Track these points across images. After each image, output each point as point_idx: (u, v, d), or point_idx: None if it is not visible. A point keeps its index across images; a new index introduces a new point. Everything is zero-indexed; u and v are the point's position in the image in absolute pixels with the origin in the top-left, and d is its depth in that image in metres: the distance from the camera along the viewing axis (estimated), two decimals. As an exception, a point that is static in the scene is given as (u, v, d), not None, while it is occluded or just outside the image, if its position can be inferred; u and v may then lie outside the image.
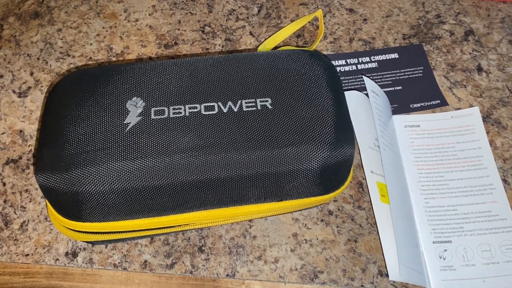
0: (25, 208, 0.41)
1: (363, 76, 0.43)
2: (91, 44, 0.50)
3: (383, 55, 0.49)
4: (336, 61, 0.48)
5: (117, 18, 0.52)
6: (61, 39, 0.51)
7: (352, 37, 0.50)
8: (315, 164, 0.33)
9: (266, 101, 0.34)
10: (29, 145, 0.44)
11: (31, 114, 0.46)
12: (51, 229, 0.40)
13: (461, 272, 0.37)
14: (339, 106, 0.35)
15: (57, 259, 0.38)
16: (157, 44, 0.50)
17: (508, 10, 0.52)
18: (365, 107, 0.41)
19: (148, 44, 0.50)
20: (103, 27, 0.52)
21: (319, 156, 0.32)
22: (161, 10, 0.53)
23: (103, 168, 0.31)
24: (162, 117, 0.33)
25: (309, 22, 0.51)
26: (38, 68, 0.49)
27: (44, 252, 0.39)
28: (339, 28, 0.51)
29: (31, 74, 0.48)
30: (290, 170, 0.32)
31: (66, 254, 0.39)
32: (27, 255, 0.38)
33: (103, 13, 0.53)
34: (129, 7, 0.53)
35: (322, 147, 0.32)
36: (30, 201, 0.41)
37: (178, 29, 0.51)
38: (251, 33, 0.51)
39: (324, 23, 0.51)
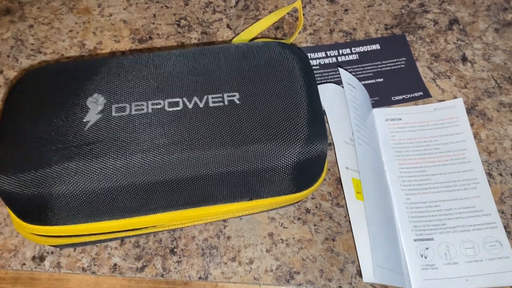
0: (-9, 211, 0.39)
1: (339, 68, 0.41)
2: (64, 40, 0.49)
3: (364, 47, 0.47)
4: (316, 54, 0.47)
5: (90, 13, 0.51)
6: (33, 35, 0.49)
7: (332, 28, 0.49)
8: (286, 161, 0.31)
9: (234, 95, 0.32)
10: (-3, 146, 0.42)
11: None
12: (18, 233, 0.38)
13: (443, 271, 0.36)
14: (312, 100, 0.33)
15: (24, 264, 0.37)
16: (131, 39, 0.48)
17: (494, -2, 0.50)
18: (342, 100, 0.40)
19: (122, 39, 0.48)
20: (76, 23, 0.50)
21: (290, 153, 0.31)
22: (136, 4, 0.51)
23: (61, 169, 0.29)
24: (123, 114, 0.31)
25: (288, 13, 0.50)
26: (8, 66, 0.47)
27: (10, 257, 0.37)
28: (319, 19, 0.49)
29: (1, 72, 0.47)
30: (259, 168, 0.31)
31: (33, 258, 0.37)
32: (-7, 260, 0.37)
33: (76, 8, 0.51)
34: (103, 1, 0.51)
35: (293, 143, 0.31)
36: (-4, 204, 0.39)
37: (153, 23, 0.50)
38: (228, 26, 0.49)
39: (304, 14, 0.50)
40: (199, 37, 0.48)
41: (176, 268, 0.36)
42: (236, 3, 0.51)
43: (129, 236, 0.36)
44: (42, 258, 0.37)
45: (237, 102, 0.32)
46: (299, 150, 0.31)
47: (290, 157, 0.31)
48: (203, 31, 0.49)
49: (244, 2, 0.51)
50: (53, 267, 0.37)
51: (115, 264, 0.37)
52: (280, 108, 0.32)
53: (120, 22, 0.50)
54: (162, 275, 0.36)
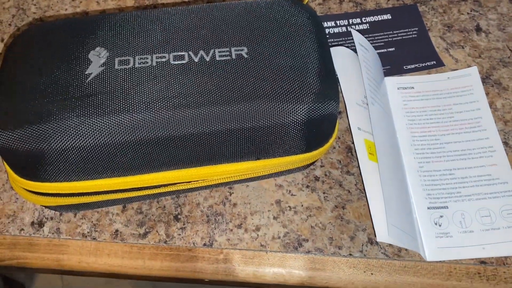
0: (-11, 176, 0.38)
1: (351, 30, 0.40)
2: (66, 9, 0.48)
3: (375, 16, 0.46)
4: (325, 23, 0.45)
5: (94, -17, 0.50)
6: (35, 5, 0.48)
7: (342, -1, 0.47)
8: (297, 118, 0.30)
9: (242, 50, 0.31)
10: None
11: (0, 80, 0.43)
12: (17, 198, 0.37)
13: (458, 239, 0.34)
14: (324, 56, 0.32)
15: (22, 229, 0.36)
16: (136, 8, 0.47)
17: (509, -31, 0.49)
18: (353, 63, 0.38)
19: (126, 9, 0.47)
20: (79, -8, 0.49)
21: (301, 109, 0.29)
22: (141, -26, 0.50)
23: (61, 121, 0.28)
24: (127, 67, 0.30)
25: (296, -17, 0.48)
26: (9, 34, 0.46)
27: (8, 222, 0.36)
28: (328, -11, 0.48)
29: (2, 40, 0.46)
30: (268, 125, 0.30)
31: (32, 223, 0.36)
32: (-10, 225, 0.36)
33: (80, -22, 0.50)
34: (107, -28, 0.50)
35: (304, 99, 0.30)
36: (-5, 169, 0.38)
37: (158, -7, 0.48)
38: (235, -4, 0.48)
39: (313, -15, 0.48)
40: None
41: (180, 234, 0.35)
42: (243, -27, 0.50)
43: (131, 199, 0.35)
44: (41, 224, 0.36)
45: (245, 56, 0.31)
46: (310, 106, 0.30)
47: (301, 113, 0.29)
48: (209, 1, 0.48)
49: (251, -27, 0.50)
50: (52, 233, 0.35)
51: (116, 230, 0.35)
52: (291, 63, 0.31)
53: (125, -8, 0.49)
54: (165, 242, 0.35)
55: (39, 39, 0.32)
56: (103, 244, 0.35)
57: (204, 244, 0.35)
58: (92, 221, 0.36)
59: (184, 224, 0.36)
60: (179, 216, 0.36)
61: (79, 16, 0.37)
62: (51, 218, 0.36)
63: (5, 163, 0.32)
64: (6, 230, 0.36)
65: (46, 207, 0.35)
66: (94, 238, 0.35)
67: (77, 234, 0.35)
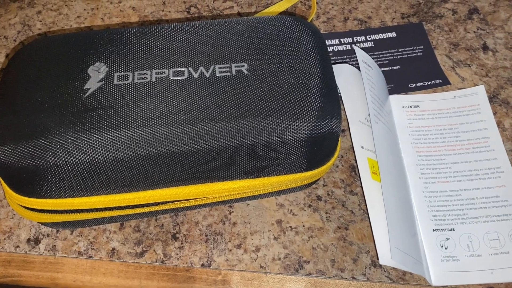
0: (-13, 192, 0.37)
1: (354, 47, 0.39)
2: (71, 26, 0.48)
3: (380, 34, 0.45)
4: (330, 41, 0.45)
5: (99, 0, 0.50)
6: (40, 21, 0.48)
7: (346, 17, 0.47)
8: (297, 135, 0.29)
9: (242, 66, 0.31)
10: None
11: (2, 95, 0.43)
12: (14, 214, 0.36)
13: (465, 263, 0.33)
14: (326, 73, 0.31)
15: (18, 246, 0.35)
16: (139, 24, 0.47)
17: (515, -12, 0.48)
18: (356, 81, 0.38)
19: (130, 25, 0.47)
20: (85, 9, 0.49)
21: (301, 127, 0.29)
22: (146, -9, 0.50)
23: (57, 137, 0.28)
24: (126, 82, 0.30)
25: (300, 1, 0.48)
26: (14, 50, 0.46)
27: (4, 239, 0.35)
28: (332, 7, 0.48)
29: (6, 56, 0.46)
30: (268, 142, 0.29)
31: (28, 240, 0.35)
32: (-14, 241, 0.35)
33: (86, -5, 0.50)
34: (113, -11, 0.51)
35: (305, 117, 0.29)
36: (-7, 185, 0.38)
37: (163, 10, 0.48)
38: (239, 14, 0.48)
39: (317, 2, 0.48)
40: (209, 24, 0.47)
41: (177, 254, 0.34)
42: (248, -9, 0.50)
43: (129, 216, 0.34)
44: (37, 241, 0.35)
45: (246, 72, 0.30)
46: (311, 123, 0.29)
47: (302, 130, 0.29)
48: (213, 18, 0.48)
49: (256, -9, 0.50)
50: (48, 250, 0.35)
51: (113, 249, 0.35)
52: (292, 80, 0.30)
53: (129, 9, 0.49)
54: (162, 261, 0.34)
55: (40, 53, 0.32)
56: (99, 262, 0.34)
57: (202, 265, 0.34)
58: (89, 239, 0.35)
59: (182, 243, 0.35)
60: (177, 235, 0.35)
61: (80, 31, 0.37)
62: (48, 235, 0.35)
63: (0, 179, 0.32)
64: (1, 247, 0.35)
65: (42, 223, 0.34)
66: (90, 256, 0.34)
67: (73, 252, 0.35)
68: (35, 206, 0.31)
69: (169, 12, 0.48)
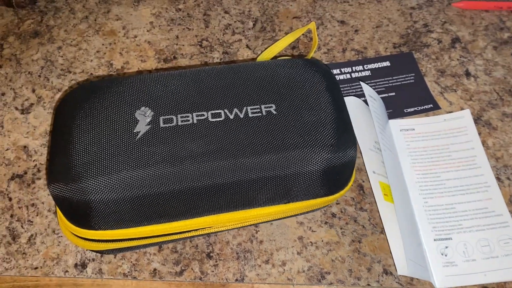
0: (32, 222, 0.41)
1: (361, 82, 0.45)
2: (92, 60, 0.51)
3: (375, 64, 0.51)
4: (332, 71, 0.50)
5: (116, 35, 0.54)
6: (62, 56, 0.52)
7: (345, 48, 0.52)
8: (318, 166, 0.34)
9: (271, 107, 0.35)
10: (33, 160, 0.44)
11: (34, 130, 0.46)
12: (59, 242, 0.40)
13: (462, 268, 0.38)
14: (339, 110, 0.36)
15: (67, 271, 0.39)
16: (157, 58, 0.51)
17: (490, 18, 0.55)
18: (363, 111, 0.43)
19: (148, 59, 0.51)
20: (103, 44, 0.53)
21: (321, 158, 0.34)
22: (159, 26, 0.54)
23: (115, 176, 0.32)
24: (171, 125, 0.34)
25: (303, 34, 0.53)
26: (39, 85, 0.49)
27: (53, 265, 0.39)
28: (332, 39, 0.53)
29: (33, 91, 0.49)
30: (296, 172, 0.34)
31: (76, 265, 0.39)
32: (36, 268, 0.39)
33: (102, 30, 0.54)
34: (127, 24, 0.54)
35: (323, 150, 0.34)
36: (37, 215, 0.41)
37: (176, 44, 0.53)
38: (247, 46, 0.52)
39: (318, 35, 0.53)
40: (221, 57, 0.51)
41: (213, 271, 0.39)
42: (254, 25, 0.54)
43: (169, 241, 0.38)
44: (84, 265, 0.39)
45: (274, 112, 0.35)
46: (328, 156, 0.34)
47: (321, 161, 0.34)
48: (224, 51, 0.52)
49: (261, 24, 0.54)
50: (95, 274, 0.38)
51: (154, 269, 0.39)
52: (311, 118, 0.35)
53: (145, 43, 0.53)
54: (200, 278, 0.38)
55: (86, 99, 0.36)
56: (143, 282, 0.38)
57: (236, 280, 0.38)
58: (131, 261, 0.39)
59: (216, 262, 0.39)
60: (211, 254, 0.39)
61: (121, 77, 0.41)
62: (93, 260, 0.39)
63: (58, 210, 0.35)
64: (51, 272, 0.38)
65: (91, 250, 0.38)
66: (134, 277, 0.38)
67: (118, 274, 0.38)
68: (91, 237, 0.34)
69: (183, 45, 0.52)
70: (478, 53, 0.52)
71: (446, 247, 0.39)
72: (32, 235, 0.40)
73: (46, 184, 0.42)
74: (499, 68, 0.51)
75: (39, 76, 0.50)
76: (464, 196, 0.42)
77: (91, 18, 0.55)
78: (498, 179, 0.43)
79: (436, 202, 0.42)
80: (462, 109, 0.47)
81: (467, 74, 0.50)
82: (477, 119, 0.47)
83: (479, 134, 0.46)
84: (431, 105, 0.48)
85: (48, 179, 0.33)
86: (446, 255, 0.39)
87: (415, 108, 0.47)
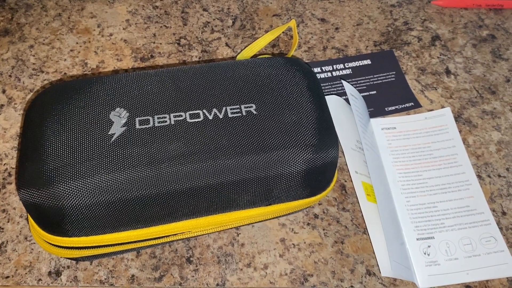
0: (2, 228, 0.39)
1: (342, 81, 0.44)
2: (65, 59, 0.50)
3: (356, 62, 0.50)
4: (312, 69, 0.49)
5: (90, 33, 0.52)
6: (34, 55, 0.50)
7: (325, 46, 0.52)
8: (300, 167, 0.33)
9: (251, 107, 0.34)
10: (4, 164, 0.42)
11: (5, 132, 0.44)
12: (32, 249, 0.38)
13: (445, 267, 0.38)
14: (321, 109, 0.36)
15: (40, 279, 0.37)
16: (133, 57, 0.50)
17: (469, 16, 0.55)
18: (344, 110, 0.42)
19: (124, 58, 0.50)
20: (77, 43, 0.51)
21: (302, 159, 0.33)
22: (135, 24, 0.53)
23: (88, 180, 0.30)
24: (147, 126, 0.33)
25: (283, 32, 0.52)
26: (10, 85, 0.47)
27: (26, 273, 0.37)
28: (312, 37, 0.52)
29: (3, 91, 0.47)
30: (277, 174, 0.33)
31: (49, 273, 0.37)
32: (7, 277, 0.37)
33: (76, 28, 0.52)
34: (102, 22, 0.53)
35: (305, 150, 0.33)
36: (8, 221, 0.39)
37: (154, 42, 0.51)
38: (227, 44, 0.51)
39: (298, 33, 0.53)
40: (199, 55, 0.50)
41: (193, 276, 0.37)
42: (233, 22, 0.53)
43: (147, 246, 0.37)
44: (58, 273, 0.37)
45: (254, 112, 0.34)
46: (309, 156, 0.33)
47: (303, 162, 0.33)
48: (203, 49, 0.51)
49: (241, 22, 0.53)
50: (70, 281, 0.37)
51: (132, 275, 0.37)
52: (292, 118, 0.34)
53: (121, 41, 0.51)
54: (180, 284, 0.37)
55: (58, 100, 0.34)
56: (120, 289, 0.37)
57: (217, 284, 0.37)
58: (108, 268, 0.38)
59: (196, 266, 0.38)
60: (191, 259, 0.38)
61: (93, 76, 0.40)
62: (68, 267, 0.38)
63: (29, 217, 0.34)
64: (24, 281, 0.37)
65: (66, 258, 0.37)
66: (111, 284, 0.37)
67: (94, 281, 0.37)
68: (65, 244, 0.33)
69: (160, 44, 0.51)
70: (457, 51, 0.52)
71: (429, 246, 0.39)
72: (2, 243, 0.38)
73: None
74: (478, 66, 0.51)
75: (10, 76, 0.48)
76: (445, 195, 0.42)
77: (65, 15, 0.53)
78: (479, 177, 0.43)
79: (418, 201, 0.41)
80: (442, 107, 0.47)
81: (447, 72, 0.50)
82: (457, 117, 0.47)
83: (460, 132, 0.46)
84: (412, 104, 0.47)
85: (17, 184, 0.31)
86: (428, 255, 0.39)
87: (396, 107, 0.47)
